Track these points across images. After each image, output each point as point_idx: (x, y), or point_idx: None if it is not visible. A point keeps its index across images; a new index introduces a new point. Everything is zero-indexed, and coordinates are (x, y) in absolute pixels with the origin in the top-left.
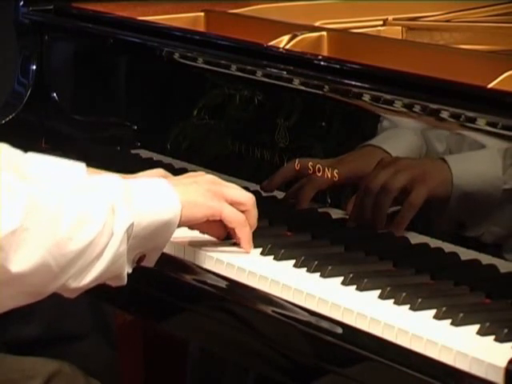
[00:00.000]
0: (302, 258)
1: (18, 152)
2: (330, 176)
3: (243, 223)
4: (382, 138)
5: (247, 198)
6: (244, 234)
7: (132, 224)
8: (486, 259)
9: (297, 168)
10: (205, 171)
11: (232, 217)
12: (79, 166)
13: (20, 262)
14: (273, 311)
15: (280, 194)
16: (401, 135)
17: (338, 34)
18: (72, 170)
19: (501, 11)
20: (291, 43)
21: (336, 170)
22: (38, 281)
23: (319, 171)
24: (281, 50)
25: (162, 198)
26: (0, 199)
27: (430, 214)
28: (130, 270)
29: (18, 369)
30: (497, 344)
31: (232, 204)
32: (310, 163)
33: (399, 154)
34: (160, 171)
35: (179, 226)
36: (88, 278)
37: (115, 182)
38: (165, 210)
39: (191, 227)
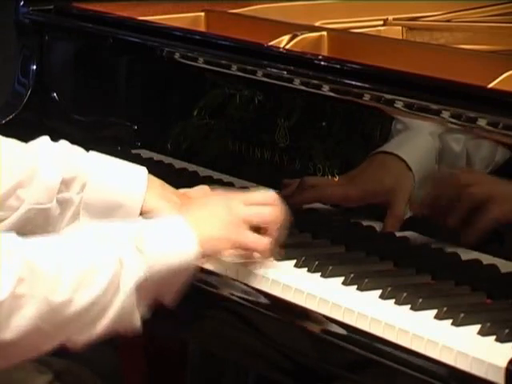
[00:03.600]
0: (303, 258)
1: (78, 150)
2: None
3: (266, 248)
4: (395, 144)
5: (269, 216)
6: (265, 255)
7: (144, 275)
8: (486, 259)
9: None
10: (205, 171)
11: (255, 245)
12: (141, 170)
13: (10, 329)
14: (273, 311)
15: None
16: (416, 140)
17: (338, 34)
18: (133, 173)
19: (501, 11)
20: (291, 43)
21: (350, 189)
22: (32, 344)
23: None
24: (281, 49)
25: (179, 241)
26: None
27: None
28: (148, 316)
29: (27, 366)
30: (497, 344)
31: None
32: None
33: (415, 160)
34: (205, 188)
35: (200, 263)
36: (94, 333)
37: (126, 230)
38: (182, 253)
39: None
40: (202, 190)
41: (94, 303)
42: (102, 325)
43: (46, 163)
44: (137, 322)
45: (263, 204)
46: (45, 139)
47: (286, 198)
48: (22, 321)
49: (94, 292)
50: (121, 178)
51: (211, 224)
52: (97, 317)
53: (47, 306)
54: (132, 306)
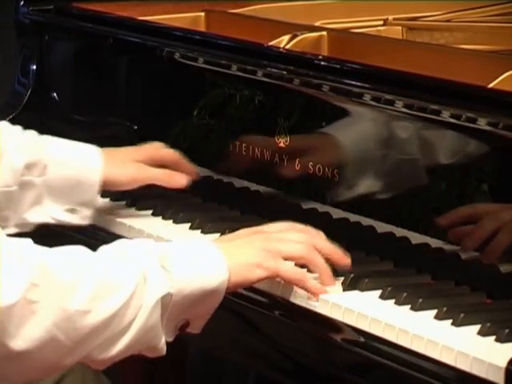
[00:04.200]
0: None
1: (40, 136)
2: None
3: (304, 278)
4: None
5: (304, 252)
6: (310, 286)
7: (169, 293)
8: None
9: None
10: (205, 171)
11: (291, 276)
12: (93, 149)
13: (23, 337)
14: (273, 312)
15: (282, 194)
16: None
17: (338, 34)
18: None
19: (501, 11)
20: (291, 43)
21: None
22: (49, 357)
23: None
24: (281, 49)
25: (207, 264)
26: (4, 269)
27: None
28: (171, 339)
29: None
30: (497, 344)
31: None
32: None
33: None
34: (156, 144)
35: (232, 290)
36: (115, 350)
37: (152, 248)
38: (210, 277)
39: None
40: (153, 145)
41: (115, 316)
42: (124, 341)
43: (12, 147)
44: (160, 342)
45: (299, 258)
46: (4, 124)
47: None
48: (35, 329)
49: (114, 305)
50: (77, 157)
51: (246, 251)
52: (118, 332)
53: (63, 314)
54: (156, 324)
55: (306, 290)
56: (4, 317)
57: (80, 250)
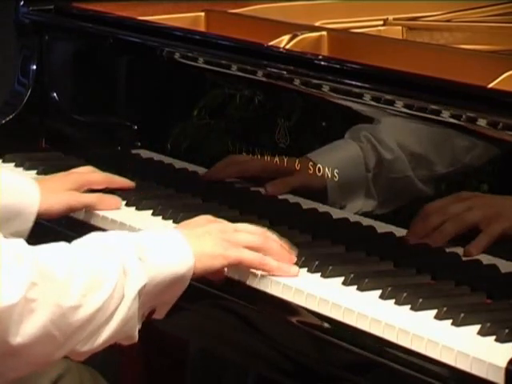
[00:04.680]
0: (303, 258)
1: None
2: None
3: (265, 261)
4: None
5: (261, 241)
6: (271, 267)
7: (145, 284)
8: (486, 259)
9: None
10: (205, 171)
11: (253, 261)
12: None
13: (21, 334)
14: (273, 311)
15: (281, 195)
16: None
17: (338, 34)
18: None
19: (501, 11)
20: (291, 43)
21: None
22: (43, 351)
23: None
24: (281, 49)
25: (176, 252)
26: (4, 268)
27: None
28: (140, 326)
29: None
30: (497, 344)
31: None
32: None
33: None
34: (89, 168)
35: (195, 278)
36: (97, 342)
37: (128, 240)
38: (178, 265)
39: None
40: (82, 170)
41: (100, 310)
42: (106, 333)
43: None
44: (135, 331)
45: (255, 248)
46: None
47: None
48: (33, 325)
49: (100, 298)
50: (17, 186)
51: (208, 241)
52: (102, 324)
53: (59, 310)
54: (134, 314)
55: (268, 271)
56: (6, 315)
57: (68, 247)
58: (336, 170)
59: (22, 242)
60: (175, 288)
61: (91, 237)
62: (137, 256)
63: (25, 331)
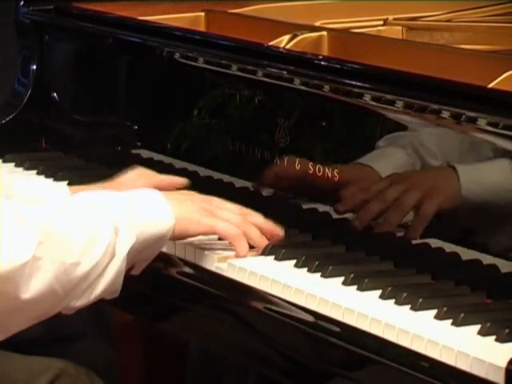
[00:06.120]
0: (303, 258)
1: (3, 172)
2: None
3: (238, 237)
4: (371, 158)
5: (240, 222)
6: (240, 247)
7: (133, 244)
8: (486, 259)
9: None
10: (205, 171)
11: (227, 232)
12: (62, 186)
13: (30, 290)
14: (273, 311)
15: (282, 194)
16: (391, 153)
17: (339, 34)
18: (55, 189)
19: (501, 11)
20: (291, 43)
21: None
22: (45, 306)
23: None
24: (281, 49)
25: (158, 211)
26: (12, 229)
27: (438, 220)
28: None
29: (24, 368)
30: (498, 344)
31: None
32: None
33: (389, 172)
34: (142, 171)
35: (172, 239)
36: (90, 297)
37: (117, 199)
38: (160, 224)
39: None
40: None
41: (95, 267)
42: (99, 289)
43: None
44: (120, 287)
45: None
46: None
47: None
48: (40, 282)
49: (96, 255)
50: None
51: (188, 206)
52: (95, 281)
53: (62, 267)
54: (122, 271)
55: (238, 251)
56: (19, 274)
57: (66, 207)
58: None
59: (23, 203)
60: (155, 246)
61: (81, 197)
62: (125, 216)
63: (33, 287)
